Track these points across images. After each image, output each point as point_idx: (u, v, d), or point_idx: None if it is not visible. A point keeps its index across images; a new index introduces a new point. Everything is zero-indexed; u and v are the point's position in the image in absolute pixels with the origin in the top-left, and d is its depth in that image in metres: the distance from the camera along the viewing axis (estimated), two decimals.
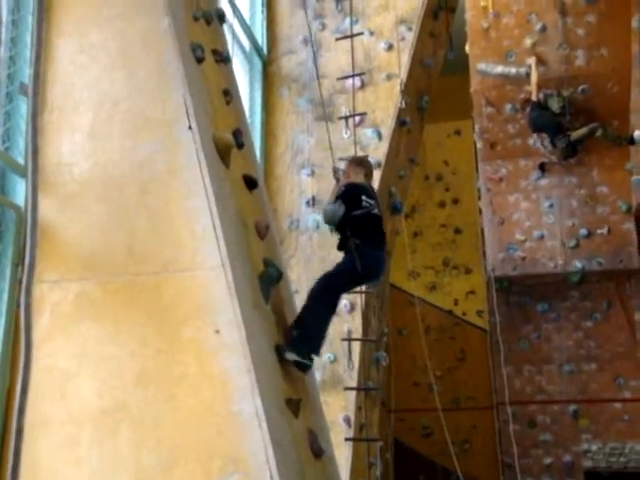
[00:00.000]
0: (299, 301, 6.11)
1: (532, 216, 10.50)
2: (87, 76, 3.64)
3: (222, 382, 3.24)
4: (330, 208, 4.37)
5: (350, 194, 4.38)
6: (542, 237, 10.38)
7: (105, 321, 3.38)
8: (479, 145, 10.78)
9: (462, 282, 12.73)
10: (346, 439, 6.46)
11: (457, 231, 13.26)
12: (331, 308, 4.24)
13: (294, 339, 4.04)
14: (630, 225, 10.05)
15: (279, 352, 3.89)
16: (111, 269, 3.45)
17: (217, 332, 3.30)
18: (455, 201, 13.44)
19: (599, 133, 9.38)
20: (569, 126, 9.53)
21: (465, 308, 12.77)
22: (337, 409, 6.55)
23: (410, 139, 8.23)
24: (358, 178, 4.58)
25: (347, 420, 6.59)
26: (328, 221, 4.46)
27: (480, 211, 11.43)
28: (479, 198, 11.37)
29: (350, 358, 6.79)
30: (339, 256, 7.45)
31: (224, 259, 3.35)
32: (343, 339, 6.83)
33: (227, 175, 3.89)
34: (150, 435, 3.22)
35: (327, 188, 7.50)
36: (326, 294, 4.18)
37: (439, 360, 10.98)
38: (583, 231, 10.16)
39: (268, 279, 3.97)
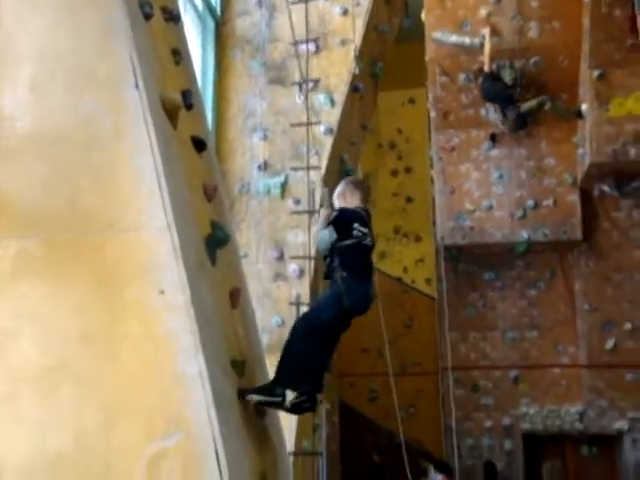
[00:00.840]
0: (247, 264, 6.15)
1: (482, 186, 10.67)
2: (28, 30, 3.53)
3: (166, 343, 3.24)
4: (322, 235, 4.15)
5: (342, 221, 4.13)
6: (491, 207, 10.57)
7: (47, 279, 3.34)
8: (432, 114, 10.86)
9: (412, 250, 12.90)
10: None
11: (409, 199, 13.37)
12: (319, 345, 3.88)
13: (279, 373, 3.82)
14: (575, 197, 10.32)
15: (241, 394, 3.67)
16: (53, 227, 3.39)
17: (161, 293, 3.28)
18: (408, 170, 13.52)
19: (548, 106, 9.56)
20: (520, 98, 9.68)
21: (414, 276, 12.97)
22: None
23: (363, 106, 8.24)
24: (354, 201, 4.29)
25: None
26: (319, 247, 4.29)
27: (432, 180, 11.54)
28: (431, 167, 11.48)
29: None
30: (289, 222, 7.52)
31: (170, 220, 3.32)
32: (291, 303, 6.90)
33: (175, 136, 3.84)
34: (92, 394, 3.22)
35: (279, 152, 7.51)
36: (311, 331, 3.86)
37: (387, 327, 11.15)
38: (530, 202, 10.39)
39: (214, 242, 3.96)
